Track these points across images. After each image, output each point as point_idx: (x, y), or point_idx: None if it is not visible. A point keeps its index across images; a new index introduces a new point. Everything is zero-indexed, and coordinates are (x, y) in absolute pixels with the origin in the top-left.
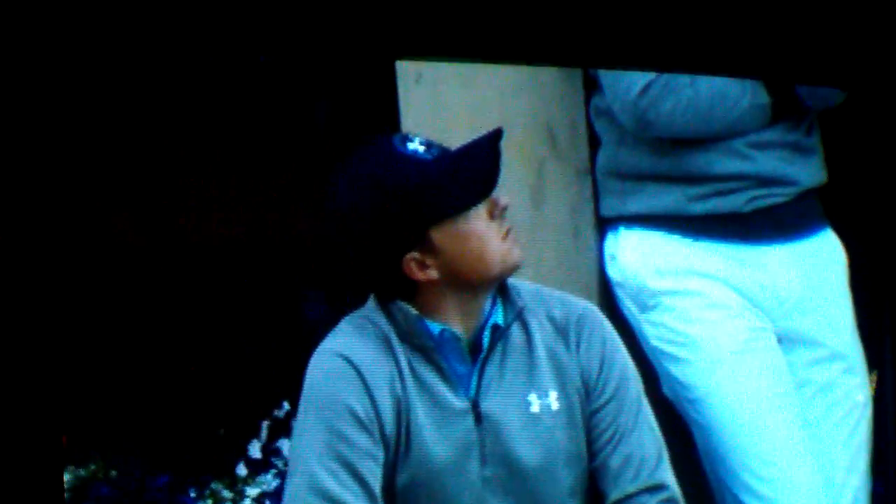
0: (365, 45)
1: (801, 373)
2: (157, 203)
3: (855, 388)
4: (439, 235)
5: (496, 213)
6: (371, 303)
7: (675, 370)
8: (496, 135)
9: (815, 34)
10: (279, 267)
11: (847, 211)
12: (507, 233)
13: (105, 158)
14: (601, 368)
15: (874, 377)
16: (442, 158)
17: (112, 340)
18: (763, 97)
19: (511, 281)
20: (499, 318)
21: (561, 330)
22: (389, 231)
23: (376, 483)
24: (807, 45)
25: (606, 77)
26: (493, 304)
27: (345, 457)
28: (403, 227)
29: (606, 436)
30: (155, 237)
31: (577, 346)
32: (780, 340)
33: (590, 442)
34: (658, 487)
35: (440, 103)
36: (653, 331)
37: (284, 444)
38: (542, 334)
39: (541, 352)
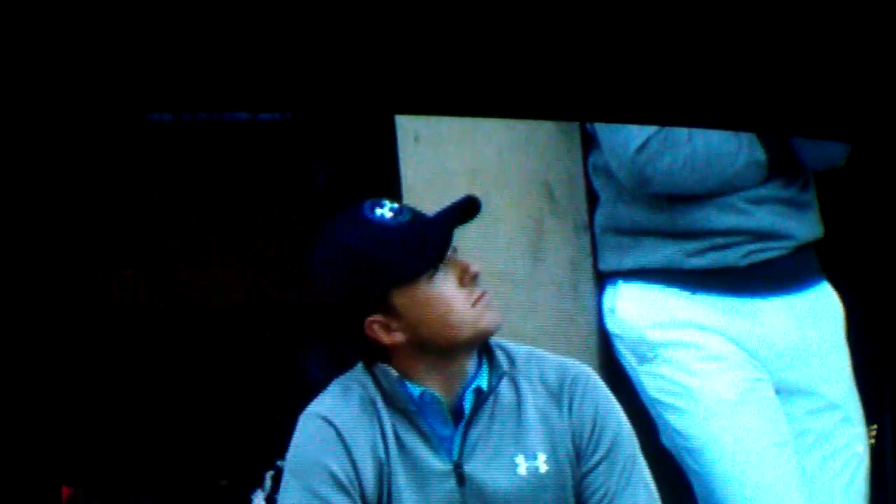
0: (367, 101)
1: (799, 423)
2: (161, 263)
3: (853, 438)
4: (402, 299)
5: (465, 280)
6: (360, 365)
7: (674, 420)
8: (460, 203)
9: (815, 89)
10: (280, 325)
11: (844, 264)
12: (479, 298)
13: (108, 218)
14: (592, 430)
15: (873, 430)
16: (405, 225)
17: (121, 396)
18: (759, 154)
19: (503, 344)
20: (483, 381)
21: (554, 393)
22: (351, 294)
23: None
24: (806, 100)
25: (604, 134)
26: (479, 366)
27: None
28: (364, 291)
29: (598, 496)
30: (159, 296)
31: (570, 408)
32: (777, 391)
33: (583, 502)
34: None
35: (439, 162)
36: (651, 382)
37: (280, 498)
38: (534, 397)
39: (532, 414)
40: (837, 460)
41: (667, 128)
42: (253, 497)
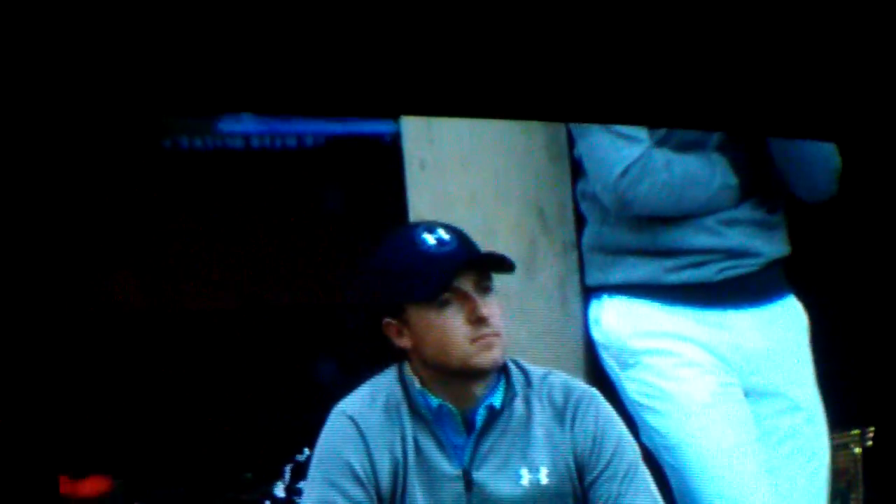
0: (368, 104)
1: (766, 423)
2: (157, 265)
3: (815, 437)
4: (414, 314)
5: (472, 319)
6: (392, 372)
7: (653, 421)
8: (485, 255)
9: (800, 91)
10: (275, 328)
11: (811, 280)
12: (480, 339)
13: (104, 219)
14: (594, 443)
15: (871, 432)
16: (437, 253)
17: (155, 397)
18: (731, 179)
19: (524, 365)
20: (497, 399)
21: (559, 412)
22: (377, 295)
23: None
24: (792, 102)
25: (590, 162)
26: (496, 385)
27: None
28: (383, 296)
29: (602, 501)
30: (154, 298)
31: (572, 425)
32: (746, 394)
33: None
34: None
35: (443, 187)
36: (632, 386)
37: (304, 485)
38: (541, 415)
39: (538, 431)
40: (801, 456)
41: (646, 156)
42: (274, 488)
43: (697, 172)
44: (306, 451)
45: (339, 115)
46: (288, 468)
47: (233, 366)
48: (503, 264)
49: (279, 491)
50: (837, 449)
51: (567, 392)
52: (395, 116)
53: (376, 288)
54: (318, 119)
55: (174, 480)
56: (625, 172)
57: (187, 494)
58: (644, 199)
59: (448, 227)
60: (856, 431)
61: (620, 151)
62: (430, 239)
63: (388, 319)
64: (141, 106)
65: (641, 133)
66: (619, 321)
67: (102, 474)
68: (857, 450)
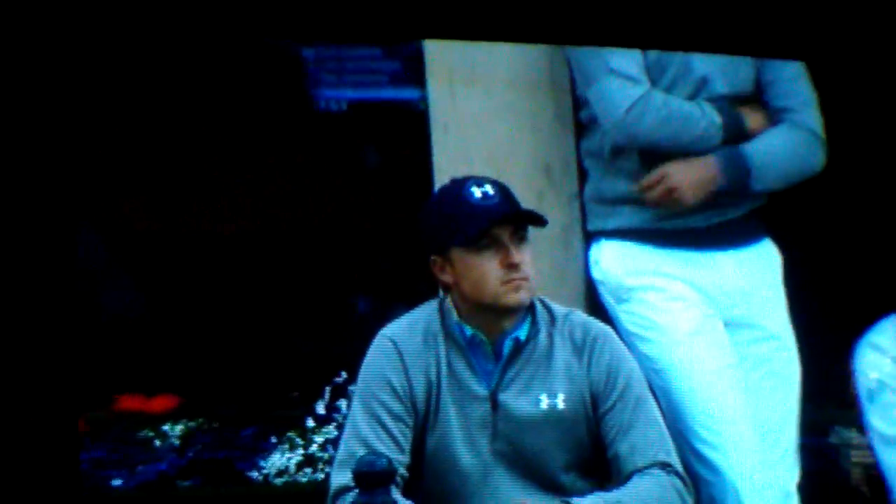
0: (383, 28)
1: (743, 349)
2: (170, 190)
3: (787, 361)
4: (457, 254)
5: (504, 263)
6: (433, 304)
7: (644, 348)
8: (521, 212)
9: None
10: (290, 251)
11: (785, 224)
12: (510, 281)
13: (117, 145)
14: (608, 378)
15: None
16: (480, 205)
17: (218, 326)
18: (716, 118)
19: (550, 304)
20: (522, 332)
21: (577, 348)
22: (427, 236)
23: (405, 441)
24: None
25: (599, 104)
26: (523, 320)
27: (380, 417)
28: (431, 238)
29: (614, 431)
30: (167, 223)
31: (589, 361)
32: (726, 325)
33: (603, 437)
34: (665, 464)
35: (463, 147)
36: (627, 318)
37: (342, 404)
38: (562, 350)
39: (559, 363)
40: (774, 379)
41: (647, 95)
42: (316, 406)
43: (690, 111)
44: (344, 374)
45: (347, 40)
46: (328, 389)
47: (299, 299)
48: (536, 219)
49: (320, 408)
50: None
51: (586, 330)
52: (395, 41)
53: (427, 229)
54: (330, 42)
55: (231, 398)
56: (630, 109)
57: (242, 410)
58: (647, 132)
59: (494, 183)
60: None
61: (626, 91)
62: (476, 192)
63: (434, 257)
64: (152, 29)
65: (643, 76)
66: (615, 262)
67: (170, 393)
68: None
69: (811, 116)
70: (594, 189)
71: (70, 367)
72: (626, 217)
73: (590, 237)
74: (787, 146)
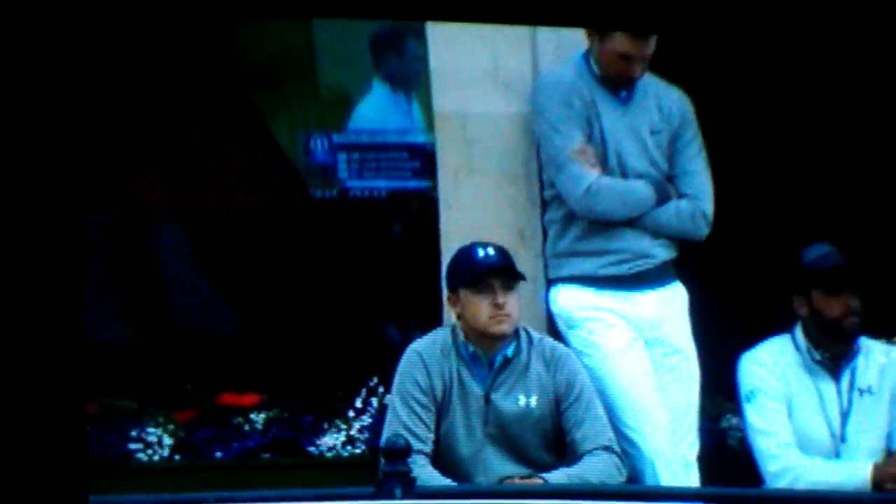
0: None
1: (658, 360)
2: (183, 167)
3: (690, 368)
4: (463, 294)
5: (493, 303)
6: (448, 328)
7: (588, 361)
8: (496, 267)
9: None
10: (305, 228)
11: (690, 271)
12: (495, 317)
13: (131, 121)
14: (567, 387)
15: None
16: (482, 261)
17: (287, 341)
18: (650, 191)
19: (531, 331)
20: (510, 351)
21: (547, 364)
22: (446, 279)
23: (431, 423)
24: None
25: (564, 186)
26: (510, 341)
27: (412, 406)
28: (449, 280)
29: (571, 423)
30: (180, 199)
31: (554, 374)
32: (646, 343)
33: (563, 427)
34: (607, 447)
35: (463, 221)
36: (575, 340)
37: (373, 400)
38: (536, 364)
39: (533, 374)
40: (679, 382)
41: (598, 178)
42: (354, 401)
43: (633, 187)
44: (375, 379)
45: (352, 16)
46: (363, 390)
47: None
48: (516, 275)
49: (358, 403)
50: None
51: (553, 350)
52: (398, 18)
53: (447, 275)
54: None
55: (296, 396)
56: (586, 190)
57: (304, 404)
58: (602, 206)
59: (496, 247)
60: None
61: (582, 176)
62: (480, 252)
63: (449, 294)
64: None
65: (597, 163)
66: (567, 299)
67: (255, 391)
68: None
69: (706, 202)
70: (552, 248)
71: (75, 355)
72: (575, 268)
73: (549, 282)
74: (682, 218)
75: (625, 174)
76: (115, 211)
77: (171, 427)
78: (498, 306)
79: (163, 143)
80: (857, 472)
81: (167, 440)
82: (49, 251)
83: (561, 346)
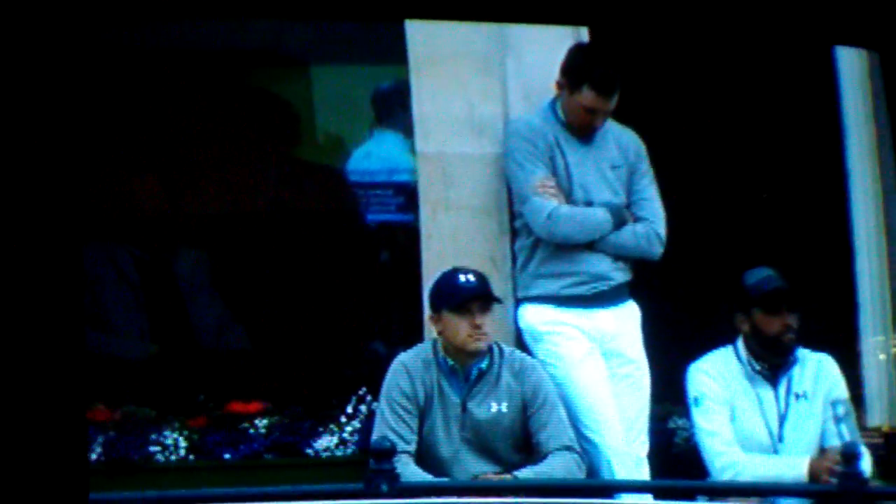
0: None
1: (614, 370)
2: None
3: (642, 377)
4: (444, 315)
5: (470, 324)
6: (430, 343)
7: (551, 370)
8: (475, 293)
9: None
10: (300, 232)
11: (643, 292)
12: (471, 335)
13: (128, 124)
14: (533, 395)
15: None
16: (463, 287)
17: (288, 357)
18: (608, 216)
19: (503, 346)
20: (484, 364)
21: (516, 374)
22: (430, 301)
23: (414, 427)
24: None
25: (529, 214)
26: (484, 356)
27: (398, 412)
28: (433, 303)
29: (536, 427)
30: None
31: (522, 383)
32: (603, 354)
33: (530, 430)
34: (568, 447)
35: (441, 249)
36: (540, 351)
37: (362, 407)
38: (507, 375)
39: (503, 384)
40: (633, 388)
41: (557, 207)
42: (346, 407)
43: (590, 213)
44: (364, 388)
45: (338, 18)
46: (354, 397)
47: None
48: (493, 299)
49: (349, 410)
50: None
51: (521, 362)
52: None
53: (431, 297)
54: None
55: (295, 404)
56: (548, 217)
57: (302, 412)
58: (562, 231)
59: (476, 273)
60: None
61: (544, 205)
62: (462, 278)
63: (432, 314)
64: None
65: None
66: (533, 316)
67: (260, 400)
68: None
69: (659, 225)
70: (521, 271)
71: (76, 361)
72: (541, 288)
73: (518, 301)
74: (639, 240)
75: (590, 203)
76: (146, 244)
77: (185, 432)
78: (476, 327)
79: (166, 151)
80: (794, 466)
81: (182, 443)
82: (50, 259)
83: (528, 357)
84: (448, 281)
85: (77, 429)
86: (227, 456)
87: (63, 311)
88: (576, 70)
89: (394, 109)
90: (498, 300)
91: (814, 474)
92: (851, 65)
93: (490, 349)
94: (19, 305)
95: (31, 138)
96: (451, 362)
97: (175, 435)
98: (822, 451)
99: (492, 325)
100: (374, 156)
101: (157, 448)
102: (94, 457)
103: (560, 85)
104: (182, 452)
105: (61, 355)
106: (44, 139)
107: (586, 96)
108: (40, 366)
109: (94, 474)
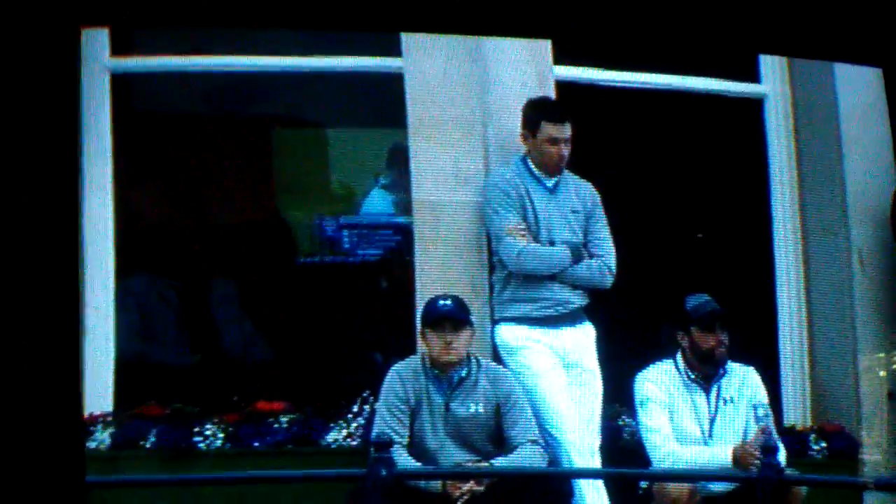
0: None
1: (574, 378)
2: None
3: (596, 384)
4: (427, 331)
5: (444, 340)
6: (419, 356)
7: (522, 379)
8: (447, 315)
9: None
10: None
11: (599, 314)
12: (443, 349)
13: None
14: (506, 398)
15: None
16: (440, 309)
17: (304, 364)
18: (568, 253)
19: (480, 359)
20: (464, 372)
21: (491, 381)
22: (420, 321)
23: (406, 424)
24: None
25: (503, 251)
26: (464, 366)
27: (393, 412)
28: (421, 321)
29: (508, 423)
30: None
31: (496, 389)
32: (565, 366)
33: (502, 426)
34: (534, 441)
35: (430, 278)
36: (512, 363)
37: (366, 407)
38: (483, 382)
39: (480, 389)
40: (588, 395)
41: (525, 246)
42: (352, 408)
43: (552, 251)
44: (367, 391)
45: (339, 29)
46: (358, 399)
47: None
48: (462, 320)
49: (355, 408)
50: None
51: (495, 372)
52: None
53: (420, 318)
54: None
55: (311, 403)
56: (518, 255)
57: (317, 410)
58: (529, 266)
59: (454, 299)
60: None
61: (514, 245)
62: (440, 303)
63: (420, 330)
64: (153, 16)
65: (528, 234)
66: (507, 334)
67: (282, 400)
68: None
69: (611, 260)
70: (497, 297)
71: (74, 364)
72: (514, 311)
73: (494, 321)
74: (593, 272)
75: (553, 243)
76: (184, 277)
77: (222, 425)
78: (447, 342)
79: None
80: (720, 454)
81: (220, 434)
82: (50, 259)
83: (502, 368)
84: (430, 304)
85: (73, 424)
86: (255, 445)
87: (63, 311)
88: (531, 116)
89: (398, 161)
90: (468, 322)
91: (737, 459)
92: (778, 121)
93: (470, 360)
94: (19, 305)
95: (33, 141)
96: (435, 371)
97: (214, 428)
98: (743, 442)
99: (465, 342)
100: (377, 203)
101: (199, 438)
102: (147, 445)
103: (524, 136)
104: (219, 442)
105: (61, 355)
106: (45, 143)
107: (545, 130)
108: (40, 366)
109: (149, 459)
